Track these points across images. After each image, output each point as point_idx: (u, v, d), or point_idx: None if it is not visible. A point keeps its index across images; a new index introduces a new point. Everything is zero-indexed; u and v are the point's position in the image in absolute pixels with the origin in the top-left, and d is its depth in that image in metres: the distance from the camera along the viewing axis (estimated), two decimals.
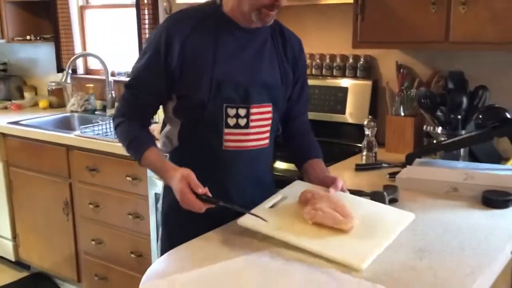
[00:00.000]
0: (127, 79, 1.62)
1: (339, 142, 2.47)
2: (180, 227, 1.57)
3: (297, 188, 1.51)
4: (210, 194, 1.37)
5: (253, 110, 1.53)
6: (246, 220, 1.36)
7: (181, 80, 1.50)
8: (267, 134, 1.59)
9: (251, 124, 1.54)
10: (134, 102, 1.56)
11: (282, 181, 1.73)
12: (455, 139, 1.81)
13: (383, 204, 1.48)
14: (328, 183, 1.52)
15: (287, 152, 1.76)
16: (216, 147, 1.54)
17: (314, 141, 1.73)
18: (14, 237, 3.31)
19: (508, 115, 1.72)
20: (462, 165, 1.81)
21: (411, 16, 1.97)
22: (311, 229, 1.31)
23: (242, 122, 1.53)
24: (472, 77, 2.03)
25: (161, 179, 1.57)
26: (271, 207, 1.44)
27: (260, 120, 1.56)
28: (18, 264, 3.40)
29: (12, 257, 3.36)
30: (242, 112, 1.52)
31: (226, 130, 1.53)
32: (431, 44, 1.99)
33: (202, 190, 1.36)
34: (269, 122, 1.58)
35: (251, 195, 1.57)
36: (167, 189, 1.58)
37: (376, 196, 1.62)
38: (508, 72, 2.14)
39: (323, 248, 1.24)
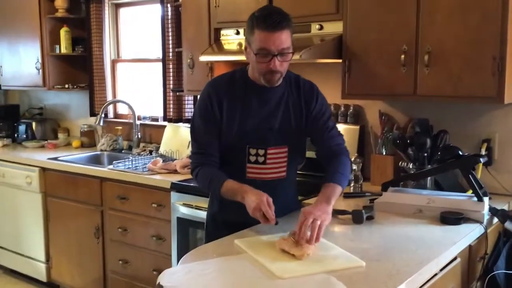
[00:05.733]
0: (188, 128, 2.12)
1: None
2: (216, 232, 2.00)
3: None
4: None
5: (270, 151, 1.97)
6: (240, 242, 1.77)
7: (220, 128, 1.96)
8: (284, 169, 2.02)
9: (268, 161, 1.98)
10: (201, 153, 1.98)
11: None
12: (419, 171, 2.27)
13: (347, 252, 1.68)
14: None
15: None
16: (241, 176, 1.96)
17: (338, 165, 1.95)
18: (48, 259, 3.72)
19: (460, 152, 2.17)
20: (427, 192, 2.24)
21: (387, 75, 2.44)
22: (277, 252, 1.67)
23: (261, 159, 1.98)
24: (436, 122, 2.48)
25: (236, 197, 1.87)
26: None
27: (276, 158, 2.00)
28: (49, 285, 3.78)
29: (44, 278, 3.75)
30: (261, 152, 1.97)
31: (248, 165, 1.98)
32: (403, 97, 2.47)
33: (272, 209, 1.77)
34: (285, 159, 2.01)
35: (276, 212, 1.92)
36: (211, 205, 2.10)
37: (355, 214, 2.06)
38: (463, 119, 2.59)
39: (267, 262, 1.58)
